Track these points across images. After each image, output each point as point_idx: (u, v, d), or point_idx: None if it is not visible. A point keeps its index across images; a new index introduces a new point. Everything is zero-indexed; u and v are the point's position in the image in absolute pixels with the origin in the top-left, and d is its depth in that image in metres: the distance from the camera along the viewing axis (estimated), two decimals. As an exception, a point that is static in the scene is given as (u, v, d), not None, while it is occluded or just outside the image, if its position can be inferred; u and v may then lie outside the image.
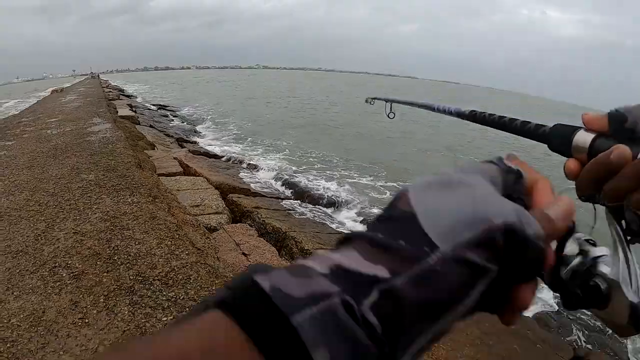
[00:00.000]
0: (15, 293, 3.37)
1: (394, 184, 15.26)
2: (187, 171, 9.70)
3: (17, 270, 3.71)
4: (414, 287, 0.33)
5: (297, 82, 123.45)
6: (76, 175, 6.53)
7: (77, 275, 3.64)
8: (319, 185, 13.01)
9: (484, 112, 0.98)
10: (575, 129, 0.63)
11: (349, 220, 10.23)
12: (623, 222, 0.56)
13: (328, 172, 16.37)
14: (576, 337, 6.52)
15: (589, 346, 6.29)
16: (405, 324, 0.32)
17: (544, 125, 0.72)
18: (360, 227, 8.60)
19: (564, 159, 0.64)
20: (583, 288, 0.53)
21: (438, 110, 1.48)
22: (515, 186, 0.47)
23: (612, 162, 0.53)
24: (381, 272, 0.33)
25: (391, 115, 2.67)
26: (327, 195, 11.51)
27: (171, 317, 3.11)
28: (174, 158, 10.59)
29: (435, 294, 0.34)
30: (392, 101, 2.66)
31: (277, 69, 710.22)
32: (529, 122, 0.76)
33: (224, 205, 7.28)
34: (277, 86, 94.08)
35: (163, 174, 8.58)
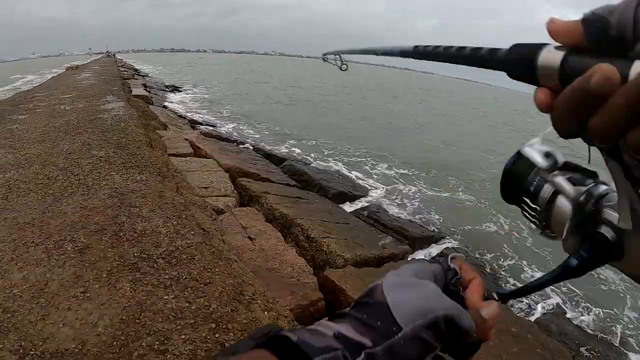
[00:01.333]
0: (19, 264, 3.37)
1: (406, 172, 15.24)
2: (197, 153, 9.70)
3: (23, 242, 3.71)
4: (387, 354, 0.51)
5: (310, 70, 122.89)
6: (87, 151, 6.53)
7: (82, 249, 3.63)
8: (330, 174, 12.96)
9: (428, 46, 0.83)
10: (540, 47, 0.48)
11: (354, 210, 10.21)
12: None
13: (338, 158, 16.36)
14: (577, 342, 6.45)
15: (589, 354, 6.24)
16: None
17: (498, 49, 0.57)
18: (364, 218, 8.49)
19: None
20: (589, 244, 0.52)
21: (383, 53, 1.29)
22: (452, 281, 0.64)
23: (594, 89, 0.39)
24: (367, 342, 0.52)
25: (343, 67, 2.70)
26: (336, 184, 11.45)
27: (172, 296, 3.09)
28: (185, 139, 10.60)
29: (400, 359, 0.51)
30: (341, 52, 2.68)
31: (294, 56, 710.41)
32: (481, 48, 0.61)
33: (233, 189, 7.27)
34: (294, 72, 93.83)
35: (173, 154, 8.59)
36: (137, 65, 71.61)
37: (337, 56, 2.84)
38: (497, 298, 0.62)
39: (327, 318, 0.59)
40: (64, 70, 33.56)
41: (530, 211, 0.61)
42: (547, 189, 0.58)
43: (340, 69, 2.80)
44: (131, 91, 19.59)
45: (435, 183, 15.20)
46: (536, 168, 0.60)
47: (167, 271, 3.38)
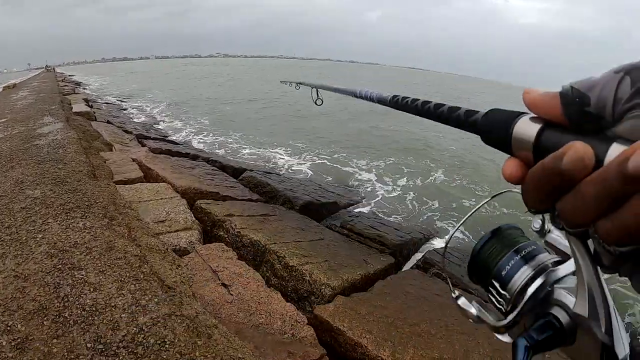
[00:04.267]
0: None
1: (369, 164, 14.69)
2: (148, 175, 8.77)
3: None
4: None
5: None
6: (20, 191, 5.57)
7: (20, 343, 2.77)
8: (294, 181, 12.22)
9: (407, 98, 0.86)
10: (517, 116, 0.46)
11: (325, 220, 9.61)
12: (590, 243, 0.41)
13: (301, 161, 15.83)
14: None
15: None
16: None
17: (476, 112, 0.56)
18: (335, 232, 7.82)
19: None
20: (539, 326, 0.47)
21: (361, 96, 1.45)
22: None
23: (565, 169, 0.35)
24: None
25: (319, 102, 2.74)
26: (302, 193, 10.71)
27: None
28: (133, 160, 9.63)
29: None
30: (319, 87, 2.64)
31: (238, 57, 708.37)
32: (458, 108, 0.61)
33: (193, 218, 6.42)
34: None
35: (121, 182, 7.65)
36: (79, 78, 69.19)
37: (314, 89, 2.67)
38: None
39: None
40: (1, 89, 31.59)
41: (497, 297, 0.56)
42: (520, 277, 0.53)
43: (315, 103, 2.73)
44: (72, 108, 18.30)
45: (399, 170, 14.81)
46: (511, 251, 0.57)
47: (132, 368, 2.59)
